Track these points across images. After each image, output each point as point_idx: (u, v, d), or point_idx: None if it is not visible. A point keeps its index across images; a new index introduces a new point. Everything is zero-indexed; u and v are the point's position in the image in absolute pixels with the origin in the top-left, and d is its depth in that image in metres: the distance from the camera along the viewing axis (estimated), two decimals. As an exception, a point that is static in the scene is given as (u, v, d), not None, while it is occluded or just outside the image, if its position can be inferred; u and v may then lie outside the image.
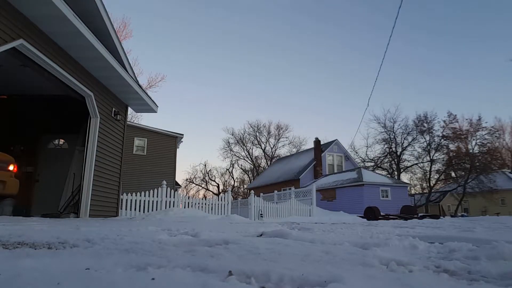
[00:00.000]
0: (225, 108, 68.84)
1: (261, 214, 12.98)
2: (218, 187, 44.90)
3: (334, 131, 78.63)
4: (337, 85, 64.71)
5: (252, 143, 46.01)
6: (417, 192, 36.44)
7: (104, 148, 7.65)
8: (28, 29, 5.17)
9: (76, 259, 1.30)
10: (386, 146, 32.86)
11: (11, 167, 6.13)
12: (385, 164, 33.69)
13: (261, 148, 46.30)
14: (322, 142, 28.31)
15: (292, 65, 65.05)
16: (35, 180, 8.48)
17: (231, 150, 45.19)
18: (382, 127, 32.63)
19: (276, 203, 14.68)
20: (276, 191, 17.73)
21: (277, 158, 41.93)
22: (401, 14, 8.41)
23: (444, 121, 29.88)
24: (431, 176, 31.32)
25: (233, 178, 46.28)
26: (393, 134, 32.35)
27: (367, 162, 33.64)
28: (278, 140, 46.09)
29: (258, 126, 45.92)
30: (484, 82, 59.88)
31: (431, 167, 30.97)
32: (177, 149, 19.62)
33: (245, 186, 42.35)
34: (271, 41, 62.01)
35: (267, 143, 46.27)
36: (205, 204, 11.30)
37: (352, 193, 21.35)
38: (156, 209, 9.84)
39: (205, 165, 50.19)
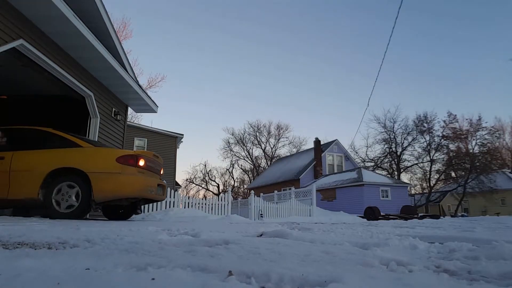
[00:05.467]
0: (225, 108, 68.90)
1: (261, 214, 12.98)
2: (218, 187, 44.92)
3: (334, 131, 78.71)
4: (337, 85, 64.77)
5: (252, 143, 46.03)
6: (417, 192, 36.44)
7: (104, 148, 7.64)
8: (28, 29, 5.17)
9: (76, 259, 1.30)
10: (386, 146, 32.88)
11: (162, 171, 5.81)
12: (385, 164, 33.70)
13: (261, 148, 46.31)
14: (322, 142, 28.31)
15: (292, 65, 65.09)
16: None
17: (231, 150, 45.21)
18: (382, 127, 32.66)
19: (276, 203, 14.67)
20: (276, 191, 17.73)
21: (277, 158, 41.91)
22: (401, 14, 8.42)
23: (444, 121, 29.91)
24: (431, 176, 31.32)
25: (233, 178, 46.27)
26: (393, 134, 32.37)
27: (367, 162, 33.66)
28: (278, 140, 46.09)
29: (258, 126, 45.95)
30: (484, 82, 59.91)
31: (431, 167, 30.98)
32: (177, 149, 19.63)
33: (245, 186, 42.35)
34: (271, 41, 62.06)
35: (267, 143, 46.28)
36: (205, 204, 11.30)
37: (352, 193, 21.35)
38: (156, 209, 9.83)
39: (205, 165, 50.26)
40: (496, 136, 31.28)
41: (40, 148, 4.96)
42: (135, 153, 4.93)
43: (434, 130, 30.43)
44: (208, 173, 45.01)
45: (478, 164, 27.62)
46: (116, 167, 4.68)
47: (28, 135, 5.21)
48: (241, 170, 46.74)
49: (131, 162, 4.78)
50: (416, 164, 32.25)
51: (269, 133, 46.08)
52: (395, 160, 32.63)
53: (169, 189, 10.39)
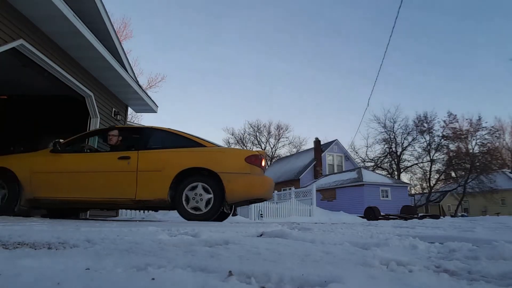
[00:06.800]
0: (225, 108, 68.90)
1: (261, 214, 12.98)
2: (218, 187, 44.84)
3: (334, 131, 78.75)
4: (337, 85, 64.76)
5: (252, 143, 46.05)
6: (417, 192, 36.45)
7: (104, 148, 7.65)
8: (28, 29, 5.17)
9: (76, 259, 1.30)
10: (386, 146, 32.91)
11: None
12: (385, 164, 33.72)
13: (261, 148, 46.30)
14: (322, 142, 28.32)
15: (292, 65, 65.09)
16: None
17: (231, 150, 45.13)
18: (382, 127, 32.70)
19: (276, 203, 14.67)
20: (276, 191, 17.73)
21: (277, 158, 41.93)
22: (402, 14, 8.43)
23: (444, 121, 29.94)
24: (431, 176, 31.35)
25: (233, 178, 46.22)
26: (393, 134, 32.40)
27: (367, 162, 33.68)
28: (278, 140, 46.10)
29: (258, 126, 45.99)
30: (484, 82, 59.94)
31: (431, 167, 31.02)
32: (177, 149, 19.59)
33: (245, 186, 42.28)
34: (272, 41, 62.08)
35: (267, 143, 46.29)
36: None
37: (352, 193, 21.35)
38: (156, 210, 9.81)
39: (205, 165, 50.05)
40: (496, 136, 31.32)
41: (162, 148, 4.79)
42: (259, 153, 4.78)
43: (434, 130, 30.49)
44: (208, 173, 44.98)
45: (478, 164, 27.63)
46: (245, 167, 4.52)
47: (148, 134, 4.99)
48: (241, 170, 46.68)
49: (257, 162, 4.62)
50: (416, 164, 32.30)
51: (269, 133, 46.14)
52: (395, 160, 32.65)
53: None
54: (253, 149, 45.80)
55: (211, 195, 4.38)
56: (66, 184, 4.57)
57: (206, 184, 4.40)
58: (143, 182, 4.47)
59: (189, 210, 4.38)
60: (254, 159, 4.61)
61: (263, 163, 4.74)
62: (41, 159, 4.73)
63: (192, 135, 4.95)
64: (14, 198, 4.44)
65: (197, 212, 4.38)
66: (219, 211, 4.49)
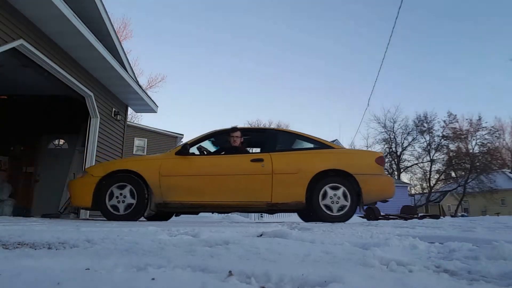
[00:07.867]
0: (225, 107, 68.92)
1: (261, 214, 12.97)
2: (218, 187, 44.78)
3: (334, 131, 78.75)
4: (337, 85, 64.79)
5: (252, 143, 45.97)
6: (417, 192, 36.46)
7: (104, 148, 7.65)
8: (28, 29, 5.16)
9: (76, 259, 1.30)
10: (386, 146, 32.94)
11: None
12: (385, 164, 33.72)
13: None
14: (322, 142, 28.29)
15: (293, 64, 65.11)
16: (35, 180, 8.48)
17: (231, 150, 45.09)
18: (382, 127, 32.75)
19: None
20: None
21: (277, 158, 41.82)
22: (401, 14, 8.43)
23: (444, 121, 29.99)
24: (431, 176, 31.38)
25: (233, 178, 46.18)
26: (393, 134, 32.45)
27: (367, 162, 33.62)
28: (278, 140, 46.08)
29: (258, 126, 45.94)
30: (484, 82, 59.96)
31: (431, 167, 31.06)
32: (177, 149, 19.61)
33: (245, 186, 42.26)
34: (272, 40, 62.07)
35: (267, 143, 46.25)
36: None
37: (352, 193, 21.31)
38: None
39: (205, 165, 50.00)
40: (496, 136, 31.34)
41: (290, 150, 4.76)
42: (383, 154, 4.92)
43: (434, 130, 30.54)
44: (208, 173, 44.89)
45: (478, 164, 27.66)
46: (377, 168, 4.60)
47: (273, 136, 4.89)
48: (241, 170, 46.61)
49: (383, 163, 4.74)
50: (416, 164, 32.34)
51: (269, 133, 46.07)
52: (395, 160, 32.68)
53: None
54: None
55: (348, 197, 4.41)
56: (197, 188, 4.44)
57: (342, 186, 4.41)
58: (279, 185, 4.41)
59: (327, 211, 4.39)
60: (381, 160, 4.71)
61: (385, 164, 4.92)
62: (169, 161, 4.55)
63: (315, 137, 4.92)
64: (143, 203, 4.31)
65: (335, 214, 4.39)
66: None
